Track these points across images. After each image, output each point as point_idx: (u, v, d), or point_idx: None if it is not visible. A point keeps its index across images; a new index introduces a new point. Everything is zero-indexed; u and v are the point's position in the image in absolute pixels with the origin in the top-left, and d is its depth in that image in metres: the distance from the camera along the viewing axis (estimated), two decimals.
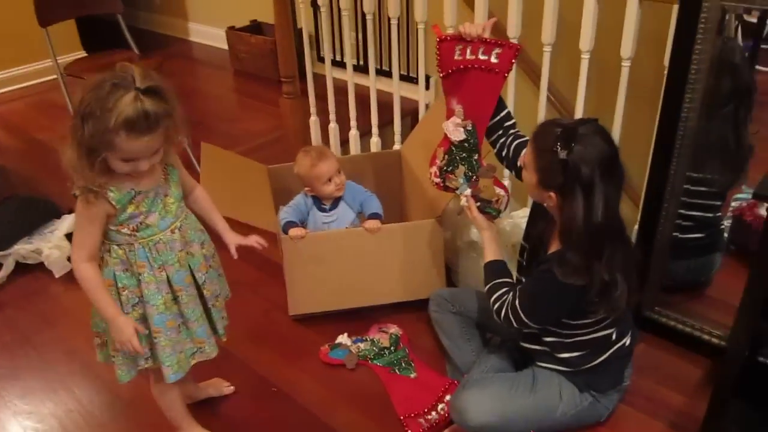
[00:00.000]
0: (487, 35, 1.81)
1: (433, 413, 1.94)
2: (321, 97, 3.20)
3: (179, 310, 1.62)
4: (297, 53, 3.13)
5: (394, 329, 2.27)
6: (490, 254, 1.86)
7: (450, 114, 1.95)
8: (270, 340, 2.28)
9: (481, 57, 1.82)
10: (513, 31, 2.30)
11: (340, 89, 3.11)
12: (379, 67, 3.33)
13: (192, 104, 4.25)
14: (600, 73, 2.28)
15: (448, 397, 1.96)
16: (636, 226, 2.17)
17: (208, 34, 5.33)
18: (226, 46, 4.81)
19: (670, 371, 2.06)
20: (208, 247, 1.69)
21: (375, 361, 2.15)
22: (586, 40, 2.13)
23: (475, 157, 1.96)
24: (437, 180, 2.04)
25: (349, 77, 2.98)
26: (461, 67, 1.85)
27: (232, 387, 2.07)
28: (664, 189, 1.98)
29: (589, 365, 1.76)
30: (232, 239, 1.74)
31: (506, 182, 2.30)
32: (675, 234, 2.05)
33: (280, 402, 2.03)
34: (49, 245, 2.68)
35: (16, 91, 4.63)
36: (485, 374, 1.85)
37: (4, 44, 4.47)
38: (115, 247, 1.53)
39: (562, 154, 1.49)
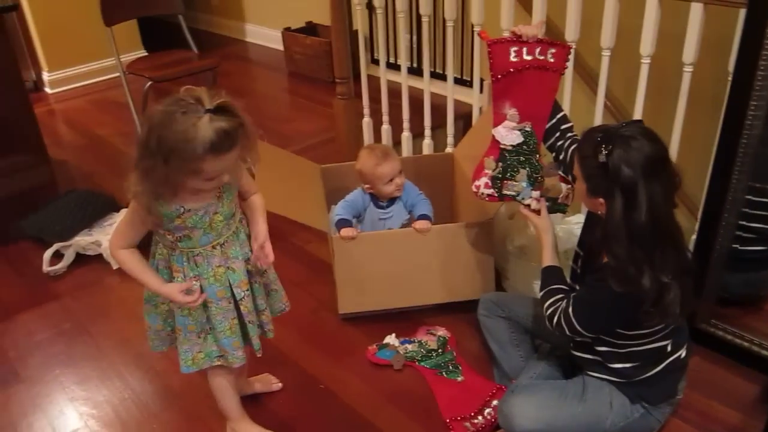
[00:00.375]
0: (541, 36, 1.82)
1: (479, 417, 1.93)
2: (374, 99, 3.21)
3: (207, 318, 1.66)
4: (351, 55, 3.15)
5: (441, 332, 2.27)
6: (548, 259, 1.84)
7: (500, 119, 1.92)
8: (318, 339, 2.30)
9: (539, 57, 1.83)
10: (571, 34, 2.27)
11: (393, 91, 3.12)
12: (433, 69, 3.33)
13: (247, 104, 4.27)
14: (658, 79, 2.23)
15: (495, 402, 1.94)
16: (693, 237, 2.12)
17: (263, 35, 5.42)
18: (281, 47, 4.88)
19: (724, 386, 2.00)
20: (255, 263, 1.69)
21: (422, 363, 2.15)
22: (647, 45, 2.08)
23: (536, 158, 1.94)
24: (489, 191, 1.99)
25: (404, 79, 2.98)
26: (519, 68, 1.84)
27: (279, 384, 2.09)
28: (725, 199, 1.93)
29: (642, 377, 1.71)
30: (261, 238, 1.66)
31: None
32: (735, 246, 1.99)
33: (327, 399, 2.05)
34: (108, 238, 2.76)
35: (79, 88, 4.79)
36: (534, 381, 1.83)
37: (69, 43, 4.64)
38: (161, 246, 1.62)
39: (602, 158, 1.47)
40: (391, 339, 2.24)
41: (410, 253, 2.24)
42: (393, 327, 2.30)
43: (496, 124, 1.93)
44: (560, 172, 1.90)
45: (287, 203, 2.23)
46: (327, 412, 2.01)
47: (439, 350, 2.19)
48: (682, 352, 1.75)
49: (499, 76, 1.86)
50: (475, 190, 2.02)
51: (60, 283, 2.68)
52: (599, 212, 1.58)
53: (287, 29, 4.72)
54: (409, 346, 2.20)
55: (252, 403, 2.02)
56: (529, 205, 1.92)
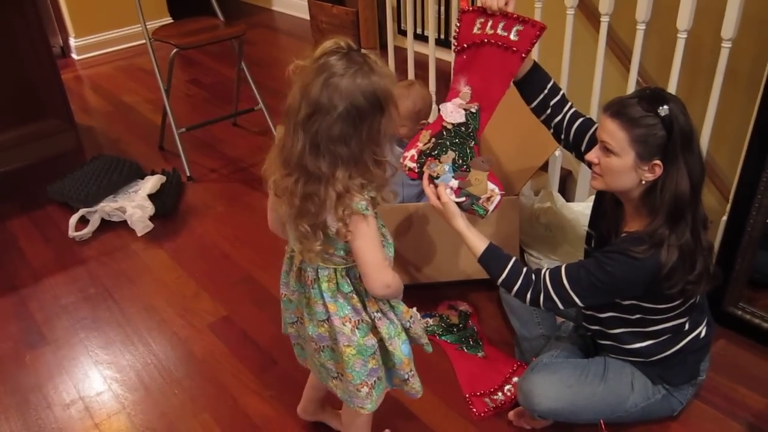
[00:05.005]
0: (510, 9, 1.65)
1: (499, 394, 1.93)
2: (400, 71, 3.17)
3: None
4: (378, 25, 3.11)
5: (463, 307, 2.26)
6: (479, 242, 1.67)
7: (453, 95, 1.77)
8: None
9: (500, 33, 1.65)
10: (605, 7, 2.21)
11: (420, 63, 3.08)
12: None
13: (272, 73, 4.30)
14: (694, 55, 2.17)
15: (515, 379, 1.94)
16: (724, 218, 2.07)
17: (290, 3, 5.38)
18: (307, 16, 4.84)
19: (751, 371, 1.96)
20: None
21: (443, 338, 2.14)
22: (684, 19, 2.02)
23: (471, 145, 1.73)
24: (411, 165, 1.77)
25: (431, 51, 2.94)
26: (477, 42, 1.69)
27: None
28: (759, 180, 1.88)
29: (662, 355, 1.69)
30: None
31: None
32: None
33: None
34: (133, 204, 2.78)
35: (105, 54, 4.81)
36: (555, 359, 1.81)
37: (96, 10, 4.65)
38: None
39: (664, 111, 1.43)
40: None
41: (433, 229, 2.22)
42: (415, 301, 2.25)
43: (447, 99, 1.78)
44: (492, 170, 1.72)
45: None
46: None
47: (461, 325, 2.18)
48: (702, 331, 1.73)
49: (464, 46, 1.72)
50: (401, 160, 1.83)
51: (86, 248, 2.71)
52: (642, 181, 1.50)
53: None
54: (431, 320, 2.20)
55: (258, 361, 2.04)
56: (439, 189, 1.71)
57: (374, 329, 1.44)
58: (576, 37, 2.41)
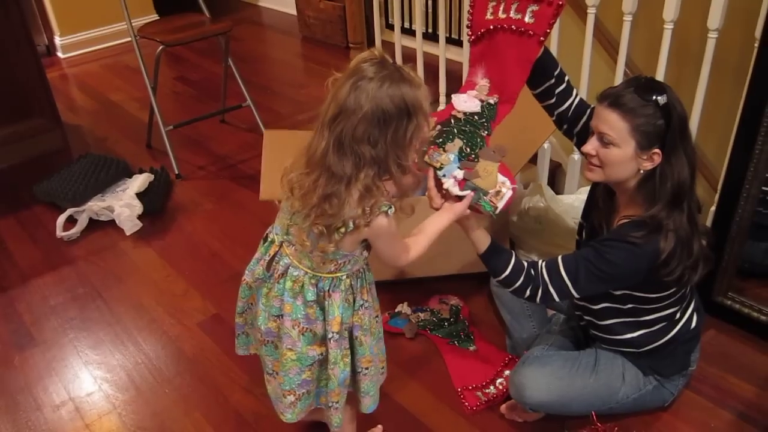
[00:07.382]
0: None
1: (491, 387, 1.93)
2: None
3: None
4: (366, 19, 3.10)
5: (454, 301, 2.26)
6: (482, 240, 1.61)
7: (468, 87, 1.61)
8: None
9: (514, 16, 1.51)
10: None
11: (408, 57, 3.06)
12: (448, 35, 3.27)
13: (259, 69, 4.28)
14: (681, 46, 2.17)
15: (507, 372, 1.94)
16: (712, 208, 2.08)
17: None
18: (294, 12, 4.82)
19: (741, 360, 1.97)
20: None
21: (434, 332, 2.14)
22: (671, 9, 2.02)
23: (482, 134, 1.54)
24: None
25: (419, 45, 2.94)
26: (491, 28, 1.54)
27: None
28: (746, 170, 1.89)
29: (654, 345, 1.69)
30: None
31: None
32: (759, 209, 1.94)
33: None
34: (121, 203, 2.77)
35: (91, 53, 4.77)
36: (546, 352, 1.82)
37: (81, 7, 4.62)
38: (344, 277, 1.40)
39: (662, 100, 1.43)
40: (403, 307, 2.23)
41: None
42: (406, 296, 2.29)
43: (462, 91, 1.62)
44: (504, 161, 1.53)
45: None
46: None
47: (452, 319, 2.18)
48: (693, 322, 1.73)
49: (479, 33, 1.58)
50: None
51: (74, 248, 2.69)
52: (640, 170, 1.50)
53: None
54: (422, 315, 2.20)
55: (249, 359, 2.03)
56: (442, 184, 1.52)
57: (321, 343, 1.44)
58: (563, 29, 2.41)
